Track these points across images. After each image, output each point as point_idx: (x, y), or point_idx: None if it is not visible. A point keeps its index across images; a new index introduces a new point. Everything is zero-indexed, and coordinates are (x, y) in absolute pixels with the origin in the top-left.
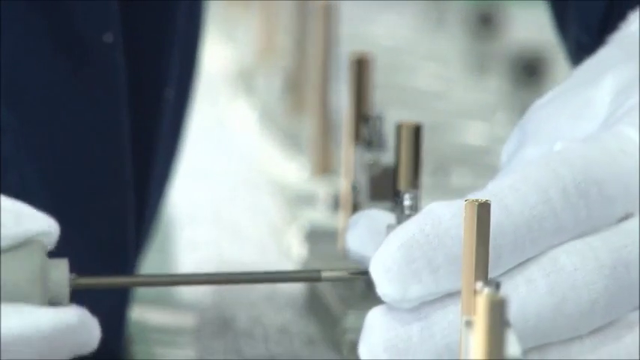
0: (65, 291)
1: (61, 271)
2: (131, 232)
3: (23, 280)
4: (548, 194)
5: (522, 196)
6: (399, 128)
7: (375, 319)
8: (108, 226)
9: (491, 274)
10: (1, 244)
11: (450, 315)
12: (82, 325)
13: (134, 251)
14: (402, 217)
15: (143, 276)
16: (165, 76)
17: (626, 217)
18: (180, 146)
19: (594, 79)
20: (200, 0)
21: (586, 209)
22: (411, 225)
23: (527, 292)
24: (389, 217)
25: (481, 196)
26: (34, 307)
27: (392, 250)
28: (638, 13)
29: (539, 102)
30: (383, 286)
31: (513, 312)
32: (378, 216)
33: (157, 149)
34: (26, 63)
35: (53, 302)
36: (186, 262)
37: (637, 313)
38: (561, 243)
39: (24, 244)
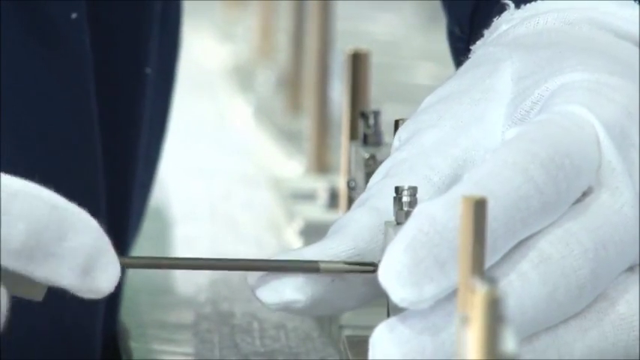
0: None
1: None
2: (102, 212)
3: None
4: (529, 173)
5: (505, 179)
6: (396, 124)
7: (383, 337)
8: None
9: (490, 261)
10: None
11: (455, 320)
12: None
13: (111, 229)
14: (400, 214)
15: (143, 258)
16: (146, 55)
17: (587, 190)
18: (166, 127)
19: (489, 71)
20: None
21: (565, 182)
22: (409, 229)
23: (522, 286)
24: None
25: (463, 187)
26: None
27: (398, 255)
28: (501, 19)
29: (431, 99)
30: (397, 292)
31: (511, 306)
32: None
33: (140, 128)
34: None
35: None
36: None
37: (616, 287)
38: (548, 223)
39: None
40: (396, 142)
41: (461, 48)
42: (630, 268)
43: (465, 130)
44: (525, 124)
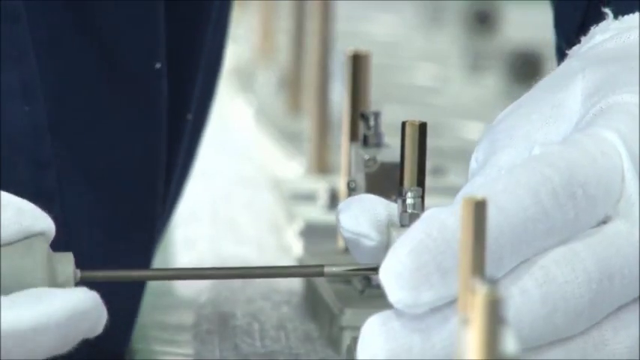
0: (70, 283)
1: (66, 264)
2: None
3: (27, 275)
4: (539, 196)
5: (516, 198)
6: (403, 126)
7: (374, 328)
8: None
9: (494, 276)
10: (2, 240)
11: (449, 325)
12: (94, 308)
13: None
14: (404, 216)
15: (148, 270)
16: (190, 102)
17: (605, 219)
18: (192, 167)
19: (562, 84)
20: (224, 27)
21: (574, 210)
22: (417, 231)
23: (522, 302)
24: (380, 201)
25: None
26: (47, 293)
27: (401, 256)
28: (597, 28)
29: (506, 111)
30: (395, 293)
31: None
32: (369, 198)
33: (174, 170)
34: (75, 94)
35: None
36: (184, 260)
37: (611, 319)
38: (550, 246)
39: (27, 238)
40: (473, 164)
41: None
42: (635, 300)
43: None
44: (551, 145)
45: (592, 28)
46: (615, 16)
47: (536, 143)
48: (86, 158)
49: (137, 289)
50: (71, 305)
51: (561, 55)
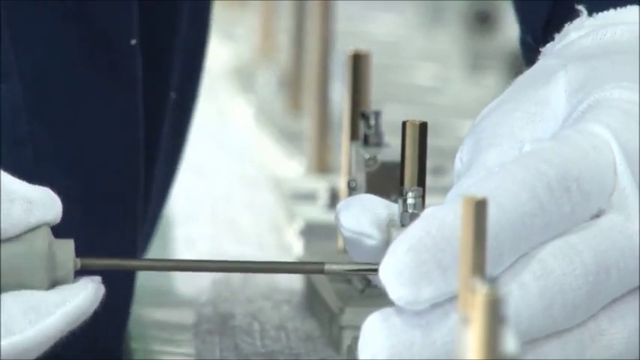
0: (70, 272)
1: (66, 252)
2: (140, 227)
3: (29, 262)
4: (535, 191)
5: (512, 194)
6: (404, 125)
7: (375, 325)
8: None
9: (494, 272)
10: (6, 235)
11: (450, 321)
12: (92, 305)
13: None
14: (404, 215)
15: (148, 259)
16: (168, 79)
17: (599, 212)
18: (183, 149)
19: (543, 81)
20: (205, 1)
21: (569, 205)
22: (416, 229)
23: (521, 296)
24: (380, 201)
25: None
26: (46, 304)
27: (401, 254)
28: (571, 25)
29: (487, 109)
30: (395, 290)
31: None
32: (369, 198)
33: (159, 150)
34: (53, 72)
35: (57, 283)
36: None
37: (607, 311)
38: (546, 241)
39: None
40: (457, 164)
41: (534, 59)
42: (630, 292)
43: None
44: (543, 141)
45: (566, 25)
46: (589, 13)
47: (523, 141)
48: (65, 136)
49: (127, 281)
50: (71, 313)
51: (526, 49)
